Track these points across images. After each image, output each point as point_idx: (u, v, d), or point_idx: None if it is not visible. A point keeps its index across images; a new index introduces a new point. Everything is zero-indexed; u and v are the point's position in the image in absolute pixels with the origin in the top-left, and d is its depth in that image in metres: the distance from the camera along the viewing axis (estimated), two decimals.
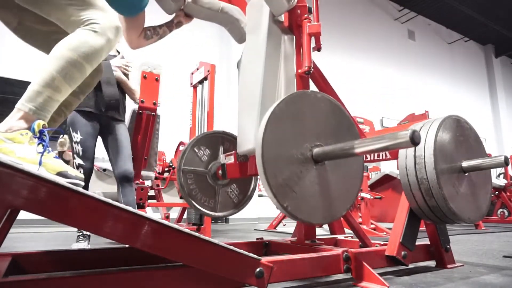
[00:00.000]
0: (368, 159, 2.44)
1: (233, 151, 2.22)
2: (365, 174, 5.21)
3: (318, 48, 2.16)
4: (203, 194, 2.28)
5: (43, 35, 1.63)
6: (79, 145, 2.94)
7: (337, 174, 1.73)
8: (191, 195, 2.24)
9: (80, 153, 2.94)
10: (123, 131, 3.16)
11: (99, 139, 3.15)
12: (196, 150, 2.32)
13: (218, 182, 2.33)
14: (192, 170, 2.27)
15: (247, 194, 2.46)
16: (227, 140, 2.41)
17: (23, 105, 1.28)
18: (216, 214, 2.29)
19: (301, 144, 1.64)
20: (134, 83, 3.36)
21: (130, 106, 3.72)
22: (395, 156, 2.33)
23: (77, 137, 2.95)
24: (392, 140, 1.33)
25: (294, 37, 2.13)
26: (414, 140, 1.26)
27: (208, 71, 4.59)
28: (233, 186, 2.40)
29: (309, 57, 2.02)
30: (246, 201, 2.46)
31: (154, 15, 2.44)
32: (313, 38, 2.09)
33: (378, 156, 2.40)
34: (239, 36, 2.25)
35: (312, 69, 2.04)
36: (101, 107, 3.01)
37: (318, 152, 1.64)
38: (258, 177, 2.12)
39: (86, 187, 2.84)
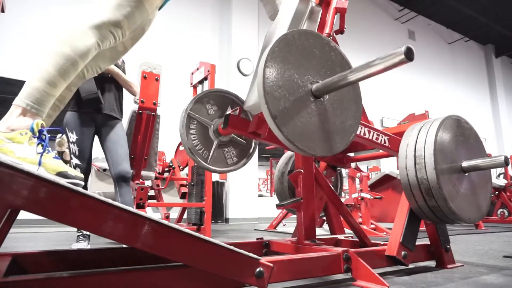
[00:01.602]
0: (368, 154, 2.39)
1: (239, 107, 2.24)
2: (365, 174, 5.19)
3: (341, 31, 2.19)
4: (200, 142, 2.27)
5: None
6: (75, 145, 2.92)
7: (336, 111, 1.70)
8: (189, 139, 2.23)
9: (77, 153, 2.92)
10: (119, 130, 3.13)
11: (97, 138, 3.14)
12: (205, 102, 2.29)
13: (219, 138, 2.31)
14: (197, 117, 2.26)
15: (241, 161, 2.43)
16: (237, 105, 2.37)
17: (21, 101, 1.29)
18: (205, 165, 2.27)
19: (303, 75, 1.61)
20: (131, 76, 3.33)
21: (128, 106, 3.71)
22: (395, 147, 2.30)
23: (73, 137, 2.94)
24: (388, 60, 1.29)
25: (321, 10, 2.13)
26: (409, 55, 1.21)
27: (208, 71, 4.57)
28: (230, 148, 2.39)
29: (331, 26, 2.05)
30: (238, 166, 2.42)
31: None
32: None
33: (377, 142, 2.33)
34: (272, 12, 2.23)
35: (331, 38, 2.04)
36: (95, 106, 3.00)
37: (318, 86, 1.61)
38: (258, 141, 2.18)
39: (84, 187, 2.84)
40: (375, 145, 2.30)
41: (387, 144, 2.33)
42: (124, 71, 3.31)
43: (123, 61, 3.36)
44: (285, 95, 1.52)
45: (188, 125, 2.24)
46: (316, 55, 1.67)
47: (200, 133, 2.27)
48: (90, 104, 2.99)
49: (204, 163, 2.27)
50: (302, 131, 1.54)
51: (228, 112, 2.32)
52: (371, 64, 1.38)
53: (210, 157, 2.29)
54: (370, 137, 2.26)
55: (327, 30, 2.02)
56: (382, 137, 2.31)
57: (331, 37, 2.02)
